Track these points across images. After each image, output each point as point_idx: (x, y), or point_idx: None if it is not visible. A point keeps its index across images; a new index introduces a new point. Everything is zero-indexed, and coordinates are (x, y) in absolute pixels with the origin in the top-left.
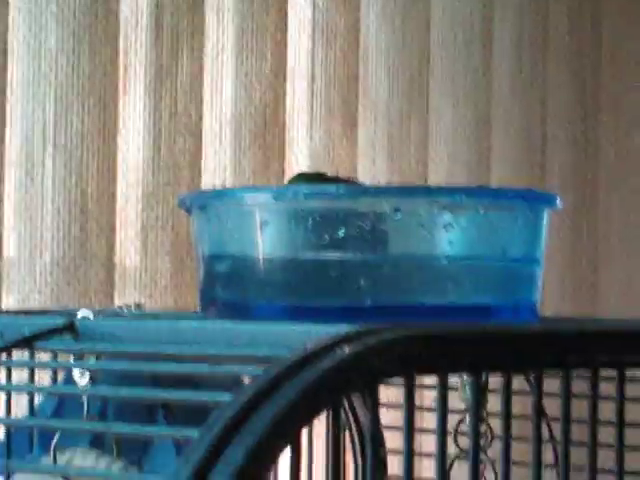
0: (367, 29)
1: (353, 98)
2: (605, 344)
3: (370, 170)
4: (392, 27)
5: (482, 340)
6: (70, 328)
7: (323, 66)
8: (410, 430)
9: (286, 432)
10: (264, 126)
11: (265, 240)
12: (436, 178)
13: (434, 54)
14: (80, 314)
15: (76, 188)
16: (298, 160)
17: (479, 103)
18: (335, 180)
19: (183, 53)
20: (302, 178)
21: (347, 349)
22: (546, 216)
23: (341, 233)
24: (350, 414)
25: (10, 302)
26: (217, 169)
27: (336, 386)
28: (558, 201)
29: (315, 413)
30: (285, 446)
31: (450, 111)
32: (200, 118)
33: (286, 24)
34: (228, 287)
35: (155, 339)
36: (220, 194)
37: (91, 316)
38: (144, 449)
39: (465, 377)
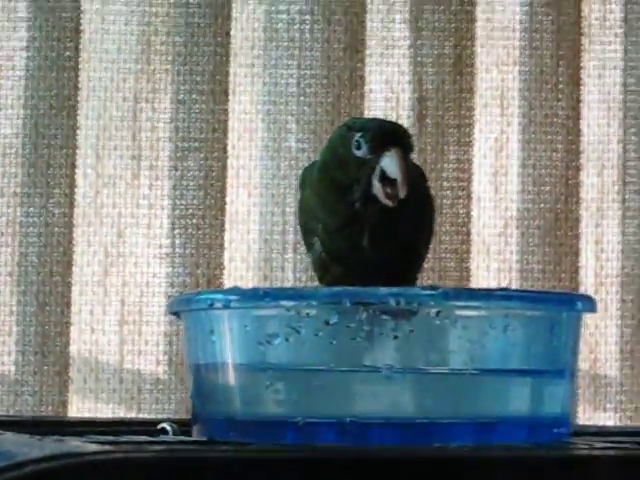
0: None
1: None
2: None
3: None
4: None
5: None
6: None
7: (637, 153)
8: None
9: None
10: (555, 221)
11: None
12: None
13: None
14: None
15: None
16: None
17: None
18: None
19: (449, 147)
20: None
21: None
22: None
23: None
24: None
25: None
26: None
27: None
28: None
29: None
30: None
31: None
32: (468, 216)
33: (579, 110)
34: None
35: None
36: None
37: None
38: None
39: None
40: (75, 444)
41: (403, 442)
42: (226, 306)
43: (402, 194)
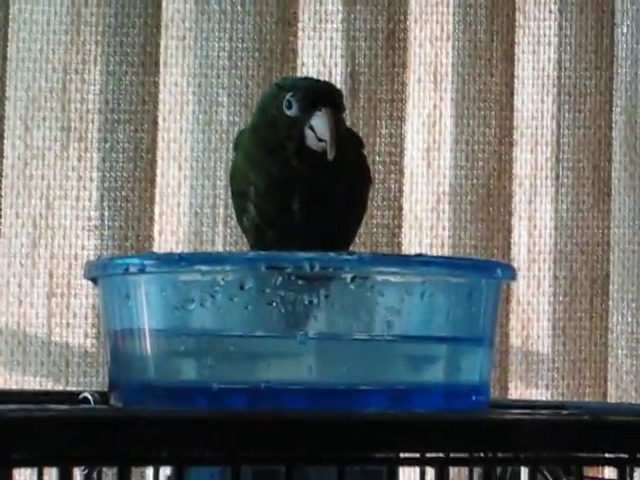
0: (621, 87)
1: (605, 164)
2: None
3: (629, 243)
4: None
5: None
6: None
7: (570, 130)
8: None
9: None
10: (487, 197)
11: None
12: None
13: None
14: None
15: None
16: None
17: None
18: None
19: (382, 121)
20: None
21: None
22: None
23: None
24: None
25: None
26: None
27: None
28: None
29: None
30: None
31: None
32: (400, 191)
33: (512, 86)
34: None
35: None
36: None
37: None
38: None
39: None
40: None
41: (317, 408)
42: (141, 271)
43: (330, 155)
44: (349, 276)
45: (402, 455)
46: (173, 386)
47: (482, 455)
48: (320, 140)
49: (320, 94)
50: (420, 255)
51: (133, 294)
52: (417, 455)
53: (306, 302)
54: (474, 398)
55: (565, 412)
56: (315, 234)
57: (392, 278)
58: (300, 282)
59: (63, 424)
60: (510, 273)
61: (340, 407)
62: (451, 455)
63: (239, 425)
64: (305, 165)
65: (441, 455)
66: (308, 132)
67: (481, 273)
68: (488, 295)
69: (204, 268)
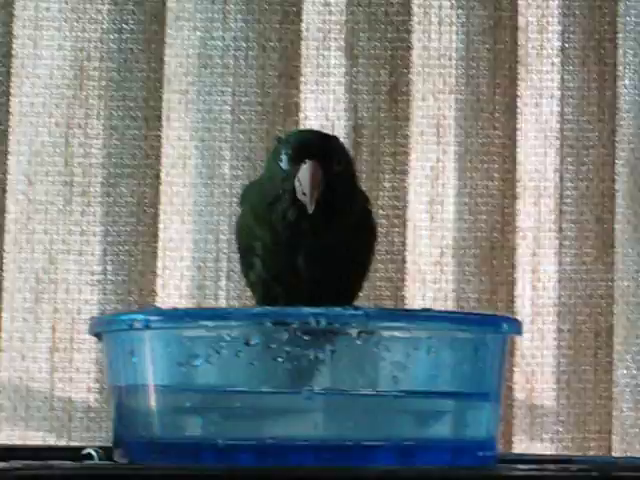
0: (624, 139)
1: (608, 217)
2: None
3: (633, 295)
4: None
5: None
6: None
7: (574, 183)
8: None
9: None
10: (491, 250)
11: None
12: None
13: None
14: None
15: None
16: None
17: None
18: None
19: (385, 174)
20: None
21: None
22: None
23: None
24: None
25: None
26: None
27: None
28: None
29: None
30: None
31: None
32: (403, 244)
33: (515, 139)
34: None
35: None
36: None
37: None
38: None
39: None
40: None
41: (324, 464)
42: (146, 326)
43: (310, 209)
44: (355, 331)
45: None
46: (179, 442)
47: None
48: (304, 193)
49: (305, 146)
50: (426, 310)
51: (138, 350)
52: None
53: (312, 357)
54: (481, 454)
55: (574, 468)
56: (321, 289)
57: (398, 333)
58: (306, 337)
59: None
60: (516, 327)
61: (347, 463)
62: None
63: None
64: (302, 219)
65: None
66: (297, 185)
67: (487, 328)
68: (494, 350)
69: (209, 324)
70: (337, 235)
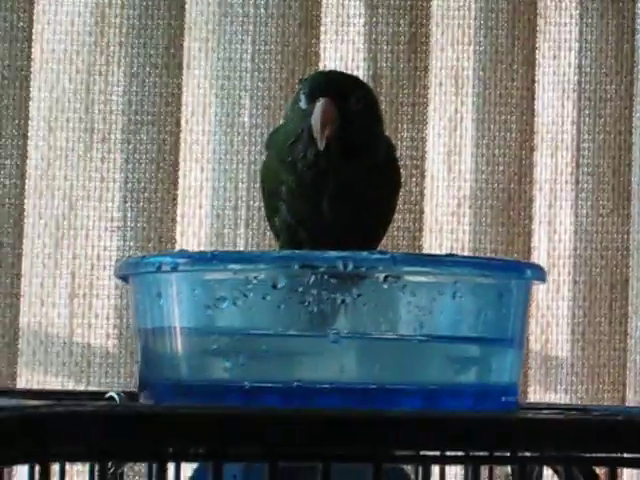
0: None
1: (625, 169)
2: None
3: None
4: None
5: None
6: None
7: (591, 135)
8: None
9: None
10: (508, 201)
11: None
12: None
13: None
14: None
15: None
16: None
17: None
18: None
19: (403, 125)
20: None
21: None
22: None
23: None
24: None
25: None
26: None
27: None
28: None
29: None
30: None
31: None
32: (421, 194)
33: (533, 91)
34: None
35: None
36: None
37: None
38: None
39: None
40: (16, 400)
41: (349, 407)
42: (174, 269)
43: (320, 145)
44: (382, 275)
45: (433, 453)
46: (205, 384)
47: (515, 454)
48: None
49: (319, 84)
50: (451, 255)
51: (165, 292)
52: (455, 453)
53: (338, 301)
54: (504, 399)
55: (597, 413)
56: (345, 234)
57: (424, 278)
58: (333, 281)
59: (104, 419)
60: (540, 274)
61: (371, 406)
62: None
63: (275, 422)
64: (320, 157)
65: (479, 453)
66: (313, 123)
67: (512, 274)
68: (518, 296)
69: (237, 267)
70: (360, 178)
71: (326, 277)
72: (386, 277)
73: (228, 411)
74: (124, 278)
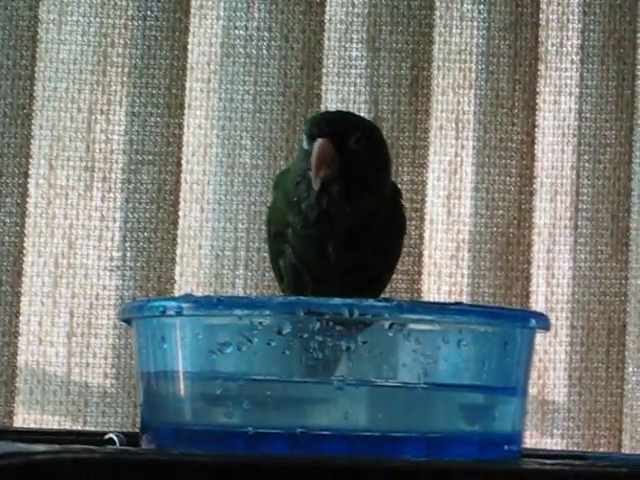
0: None
1: (624, 215)
2: None
3: None
4: None
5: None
6: None
7: (590, 181)
8: None
9: None
10: (507, 246)
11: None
12: None
13: None
14: None
15: None
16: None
17: None
18: None
19: (404, 168)
20: None
21: None
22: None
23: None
24: None
25: None
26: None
27: None
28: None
29: None
30: None
31: None
32: (420, 238)
33: (533, 136)
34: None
35: None
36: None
37: None
38: None
39: None
40: (23, 445)
41: (353, 454)
42: (178, 313)
43: (315, 185)
44: (387, 323)
45: None
46: (208, 429)
47: None
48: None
49: (318, 124)
50: (457, 303)
51: (169, 337)
52: None
53: (343, 348)
54: (507, 448)
55: (601, 464)
56: (349, 279)
57: (429, 326)
58: (338, 328)
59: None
60: (544, 323)
61: (376, 454)
62: None
63: (277, 470)
64: (323, 198)
65: None
66: (311, 163)
67: (517, 323)
68: (522, 345)
69: (242, 312)
70: (365, 222)
71: (331, 324)
72: (391, 325)
73: (232, 459)
74: (127, 321)
